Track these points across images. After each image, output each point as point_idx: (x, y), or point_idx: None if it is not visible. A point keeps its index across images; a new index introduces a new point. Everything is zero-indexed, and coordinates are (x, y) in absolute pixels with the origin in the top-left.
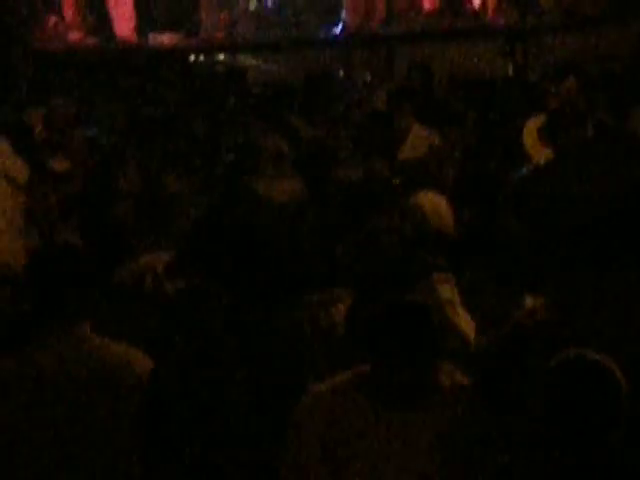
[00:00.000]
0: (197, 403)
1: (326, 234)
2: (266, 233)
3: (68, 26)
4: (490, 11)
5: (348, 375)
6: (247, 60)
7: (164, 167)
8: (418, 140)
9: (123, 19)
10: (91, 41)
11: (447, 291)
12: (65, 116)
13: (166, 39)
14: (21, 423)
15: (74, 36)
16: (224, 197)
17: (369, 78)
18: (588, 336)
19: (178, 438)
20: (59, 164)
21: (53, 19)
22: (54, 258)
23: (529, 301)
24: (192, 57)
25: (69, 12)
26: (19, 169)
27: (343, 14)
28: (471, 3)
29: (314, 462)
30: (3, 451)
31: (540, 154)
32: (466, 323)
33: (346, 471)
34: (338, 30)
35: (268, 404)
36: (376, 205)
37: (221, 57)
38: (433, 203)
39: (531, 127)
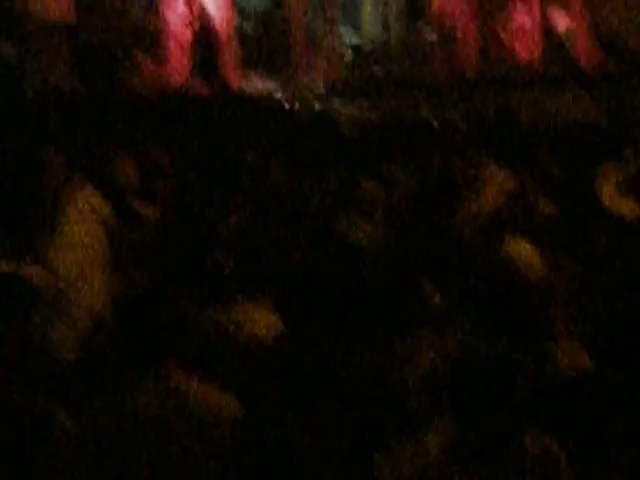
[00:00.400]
0: (286, 451)
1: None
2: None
3: (168, 71)
4: (583, 58)
5: (432, 436)
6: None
7: (259, 212)
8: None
9: (229, 65)
10: (192, 86)
11: None
12: (158, 164)
13: (261, 85)
14: (110, 459)
15: (177, 79)
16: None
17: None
18: None
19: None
20: (150, 210)
21: (151, 65)
22: (147, 305)
23: None
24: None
25: (179, 57)
26: (108, 213)
27: None
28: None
29: None
30: None
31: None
32: None
33: None
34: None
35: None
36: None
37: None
38: (524, 251)
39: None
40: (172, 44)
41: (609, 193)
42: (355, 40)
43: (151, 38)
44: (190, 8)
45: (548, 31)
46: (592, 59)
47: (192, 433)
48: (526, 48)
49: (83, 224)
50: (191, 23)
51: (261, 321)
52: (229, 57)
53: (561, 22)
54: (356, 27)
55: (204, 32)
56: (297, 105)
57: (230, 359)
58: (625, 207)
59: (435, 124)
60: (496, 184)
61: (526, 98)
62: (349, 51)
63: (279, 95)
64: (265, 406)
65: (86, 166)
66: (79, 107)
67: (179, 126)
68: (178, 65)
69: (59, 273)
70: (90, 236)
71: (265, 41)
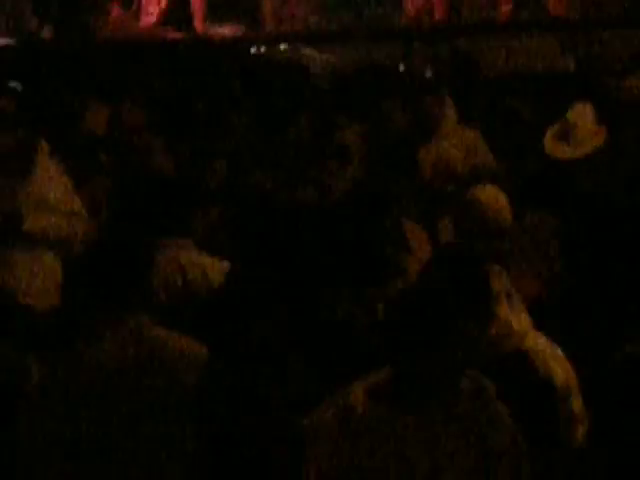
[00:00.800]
0: (242, 394)
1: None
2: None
3: (135, 15)
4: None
5: (369, 380)
6: (310, 52)
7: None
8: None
9: (197, 11)
10: (159, 30)
11: (496, 283)
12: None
13: (227, 31)
14: (82, 410)
15: (146, 20)
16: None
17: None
18: None
19: (225, 425)
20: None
21: (116, 10)
22: (108, 251)
23: None
24: (254, 49)
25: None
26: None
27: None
28: None
29: (333, 473)
30: (67, 433)
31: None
32: (515, 316)
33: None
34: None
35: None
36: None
37: (282, 48)
38: (491, 196)
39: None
40: None
41: (549, 139)
42: None
43: None
44: None
45: None
46: (562, 5)
47: (160, 379)
48: None
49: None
50: None
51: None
52: (195, 3)
53: None
54: None
55: None
56: (264, 50)
57: (189, 305)
58: (560, 151)
59: (402, 70)
60: (456, 137)
61: (494, 43)
62: None
63: (246, 41)
64: (228, 351)
65: (55, 115)
66: (44, 53)
67: (146, 73)
68: (146, 9)
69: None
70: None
71: None
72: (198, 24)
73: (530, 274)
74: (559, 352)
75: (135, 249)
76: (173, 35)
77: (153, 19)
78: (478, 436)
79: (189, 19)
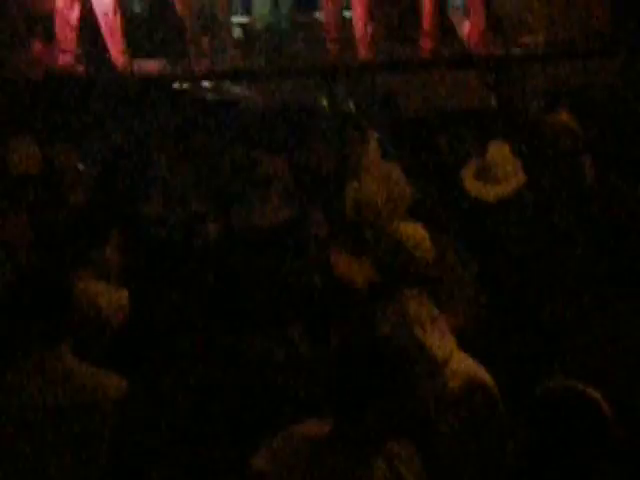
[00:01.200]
0: (164, 427)
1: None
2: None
3: (57, 51)
4: (474, 40)
5: (310, 425)
6: (232, 88)
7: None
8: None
9: (114, 45)
10: (79, 68)
11: (417, 308)
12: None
13: (151, 66)
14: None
15: (64, 59)
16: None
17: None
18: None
19: (144, 460)
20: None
21: (39, 45)
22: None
23: None
24: (177, 85)
25: (62, 36)
26: None
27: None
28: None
29: None
30: None
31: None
32: (439, 340)
33: None
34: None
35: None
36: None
37: (206, 84)
38: (411, 232)
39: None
40: (58, 22)
41: (468, 178)
42: (243, 19)
43: (44, 21)
44: None
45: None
46: (483, 42)
47: (81, 412)
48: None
49: None
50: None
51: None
52: (113, 37)
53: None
54: (246, 7)
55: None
56: (186, 86)
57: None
58: (478, 190)
59: (326, 108)
60: (379, 173)
61: (415, 81)
62: (237, 29)
63: (169, 76)
64: (147, 384)
65: None
66: None
67: (61, 108)
68: (64, 44)
69: None
70: None
71: (156, 23)
72: (118, 58)
73: (454, 306)
74: (484, 372)
75: (51, 283)
76: (94, 71)
77: (70, 57)
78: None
79: (105, 55)
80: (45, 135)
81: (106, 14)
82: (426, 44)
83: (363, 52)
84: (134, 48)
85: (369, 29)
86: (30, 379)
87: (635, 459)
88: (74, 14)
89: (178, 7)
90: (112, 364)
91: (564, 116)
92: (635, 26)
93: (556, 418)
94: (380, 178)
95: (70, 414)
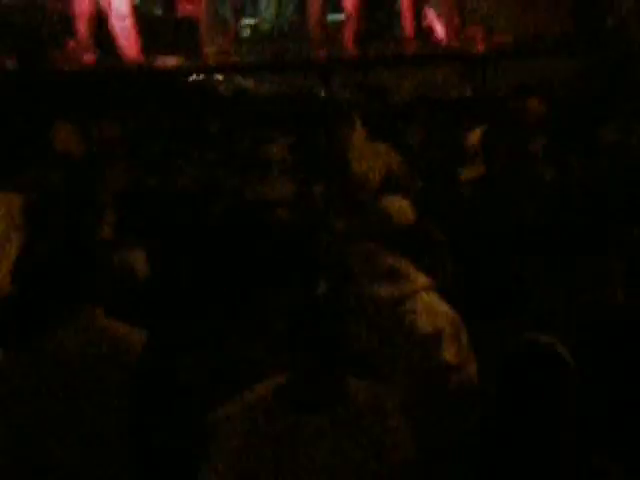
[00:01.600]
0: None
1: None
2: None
3: (82, 48)
4: (452, 39)
5: (273, 381)
6: (241, 80)
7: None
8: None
9: (130, 43)
10: (104, 63)
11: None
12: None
13: (170, 61)
14: (42, 391)
15: (88, 58)
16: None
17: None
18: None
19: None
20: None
21: (71, 43)
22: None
23: None
24: (192, 77)
25: (83, 36)
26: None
27: None
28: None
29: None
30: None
31: None
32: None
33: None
34: None
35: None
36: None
37: (219, 77)
38: (396, 204)
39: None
40: (78, 21)
41: None
42: (252, 20)
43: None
44: None
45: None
46: (459, 42)
47: (107, 362)
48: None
49: None
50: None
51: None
52: (128, 35)
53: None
54: (256, 9)
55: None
56: (201, 78)
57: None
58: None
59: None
60: (367, 150)
61: (402, 74)
62: (247, 30)
63: (186, 70)
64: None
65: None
66: (9, 83)
67: (90, 100)
68: (84, 41)
69: None
70: None
71: (173, 22)
72: (131, 53)
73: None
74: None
75: (88, 253)
76: (121, 65)
77: (92, 55)
78: (369, 435)
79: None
80: (82, 118)
81: (122, 19)
82: (411, 43)
83: (353, 49)
84: (156, 45)
85: (360, 29)
86: (71, 335)
87: (595, 405)
88: (92, 14)
89: (193, 10)
90: (136, 321)
91: (533, 102)
92: (594, 27)
93: (522, 369)
94: (370, 155)
95: (102, 364)
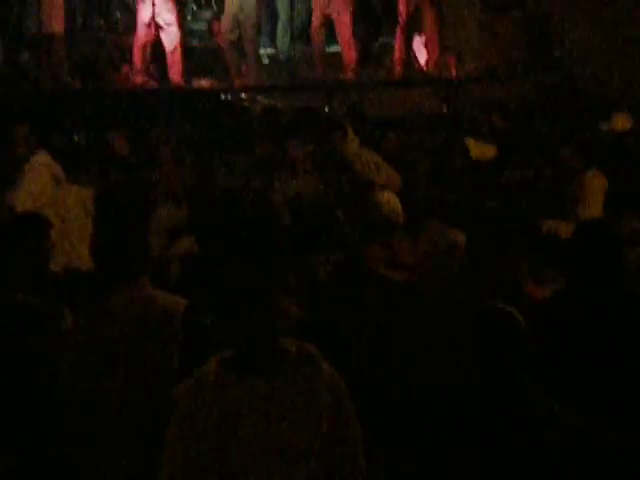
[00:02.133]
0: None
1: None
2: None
3: (136, 72)
4: (431, 65)
5: (215, 358)
6: (261, 99)
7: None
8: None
9: (176, 70)
10: (152, 84)
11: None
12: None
13: (205, 82)
14: (101, 348)
15: (139, 79)
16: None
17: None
18: None
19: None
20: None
21: (126, 67)
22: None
23: None
24: (222, 96)
25: (136, 62)
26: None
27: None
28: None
29: (192, 440)
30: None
31: None
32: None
33: (223, 443)
34: None
35: None
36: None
37: (243, 96)
38: (385, 199)
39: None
40: (134, 51)
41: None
42: (270, 50)
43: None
44: (151, 21)
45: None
46: (438, 67)
47: (156, 325)
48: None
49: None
50: (149, 31)
51: None
52: (175, 62)
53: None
54: (272, 39)
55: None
56: (232, 97)
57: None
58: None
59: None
60: (367, 158)
61: (388, 95)
62: (266, 58)
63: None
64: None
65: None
66: (76, 99)
67: (141, 114)
68: (137, 67)
69: None
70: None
71: (208, 53)
72: (177, 78)
73: None
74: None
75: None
76: (165, 86)
77: (144, 78)
78: (307, 393)
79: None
80: (135, 128)
81: (171, 51)
82: (398, 69)
83: (352, 75)
84: (194, 70)
85: (354, 58)
86: (123, 303)
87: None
88: (147, 41)
89: (219, 41)
90: (178, 291)
91: (495, 117)
92: (544, 54)
93: (494, 323)
94: (366, 161)
95: (151, 327)
